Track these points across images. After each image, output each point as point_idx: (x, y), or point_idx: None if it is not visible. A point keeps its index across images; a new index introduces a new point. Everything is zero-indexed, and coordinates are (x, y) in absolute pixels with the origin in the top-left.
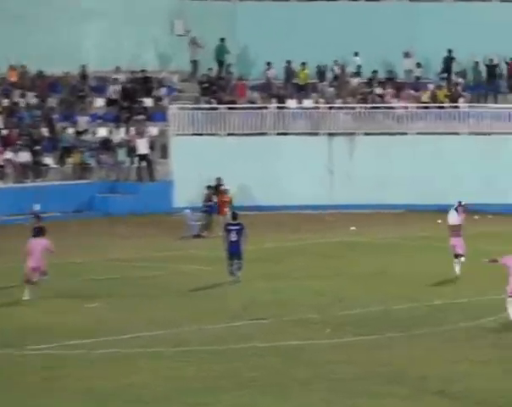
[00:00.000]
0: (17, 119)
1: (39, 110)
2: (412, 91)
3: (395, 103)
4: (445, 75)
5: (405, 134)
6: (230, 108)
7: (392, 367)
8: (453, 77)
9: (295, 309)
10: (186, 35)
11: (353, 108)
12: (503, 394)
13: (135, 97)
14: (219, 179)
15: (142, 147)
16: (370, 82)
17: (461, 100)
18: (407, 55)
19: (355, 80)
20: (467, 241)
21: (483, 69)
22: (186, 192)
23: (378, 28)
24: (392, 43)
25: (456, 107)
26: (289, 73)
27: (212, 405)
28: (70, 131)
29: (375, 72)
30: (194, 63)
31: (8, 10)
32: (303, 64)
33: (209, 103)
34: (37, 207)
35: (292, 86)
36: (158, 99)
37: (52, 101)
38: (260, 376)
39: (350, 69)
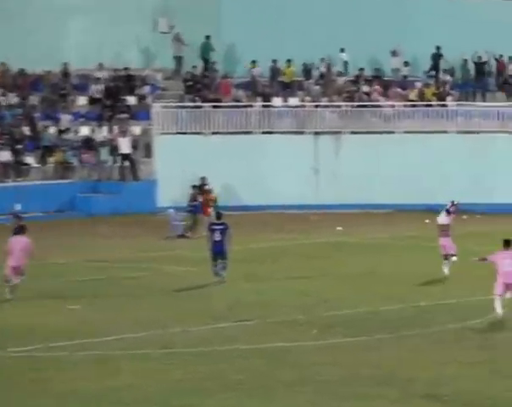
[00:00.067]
0: None
1: (20, 109)
2: (399, 90)
3: (382, 102)
4: (433, 73)
5: (392, 133)
6: (214, 107)
7: (380, 369)
8: (441, 75)
9: (280, 311)
10: (169, 32)
11: (340, 106)
12: (491, 396)
13: (118, 95)
14: (203, 178)
15: (125, 146)
16: (356, 80)
17: (449, 98)
18: (394, 54)
19: (342, 79)
20: (456, 241)
21: (472, 67)
22: (170, 192)
23: (365, 24)
24: (380, 40)
25: (444, 105)
26: (274, 71)
27: None
28: (52, 129)
29: (361, 70)
30: (178, 59)
31: None
32: (289, 61)
33: (194, 101)
34: (18, 207)
35: (278, 84)
36: (141, 97)
37: (34, 99)
38: (246, 379)
39: (337, 66)
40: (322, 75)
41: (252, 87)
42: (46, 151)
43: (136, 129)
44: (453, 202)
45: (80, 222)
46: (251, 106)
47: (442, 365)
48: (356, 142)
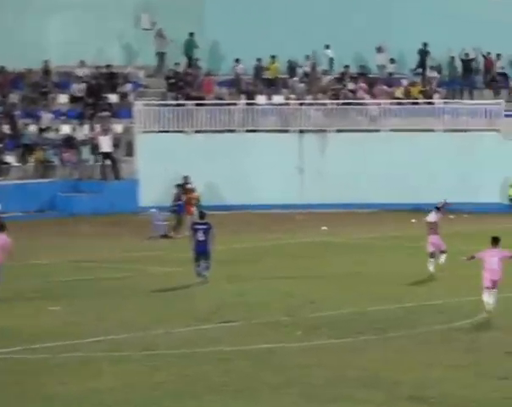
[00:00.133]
0: None
1: (0, 107)
2: (385, 87)
3: (368, 100)
4: (420, 70)
5: (378, 131)
6: (197, 105)
7: (366, 371)
8: (428, 72)
9: (264, 312)
10: (152, 29)
11: (325, 104)
12: (477, 399)
13: (99, 93)
14: (186, 177)
15: (106, 144)
16: (341, 78)
17: (436, 96)
18: (379, 50)
19: (327, 76)
20: (443, 240)
21: (459, 64)
22: (153, 191)
23: (351, 21)
24: (365, 36)
25: (431, 103)
26: (259, 68)
27: None
28: (33, 128)
29: (346, 67)
30: (160, 56)
31: None
32: (273, 56)
33: (176, 99)
34: None
35: (262, 81)
36: (123, 95)
37: (14, 97)
38: (230, 381)
39: (322, 63)
40: (307, 73)
41: (235, 85)
42: (26, 150)
43: (118, 127)
44: (445, 200)
45: (61, 222)
46: (235, 104)
47: (429, 366)
48: (341, 141)
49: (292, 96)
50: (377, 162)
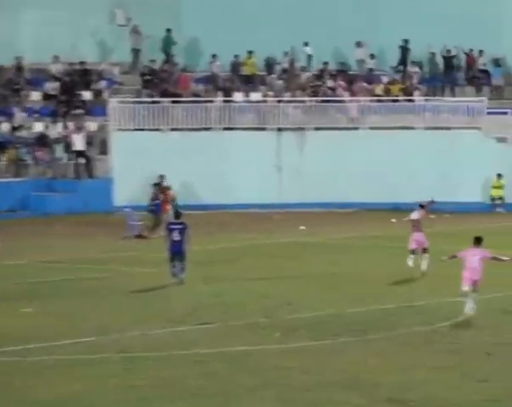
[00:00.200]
0: None
1: None
2: (365, 84)
3: (347, 97)
4: (401, 67)
5: (357, 129)
6: (173, 102)
7: (346, 373)
8: (409, 67)
9: (241, 313)
10: (127, 24)
11: (303, 101)
12: (458, 401)
13: (73, 90)
14: (162, 176)
15: (79, 143)
16: (320, 75)
17: (416, 93)
18: (359, 45)
19: (305, 73)
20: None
21: (440, 61)
22: (127, 190)
23: (330, 16)
24: (345, 32)
25: (411, 100)
26: (236, 65)
27: None
28: (5, 126)
29: (325, 63)
30: (136, 53)
31: None
32: (250, 52)
33: (151, 96)
34: None
35: (239, 78)
36: (97, 92)
37: None
38: (207, 384)
39: (300, 60)
40: (285, 70)
41: (212, 82)
42: None
43: (92, 125)
44: (432, 199)
45: (34, 222)
46: (211, 101)
47: (409, 369)
48: (320, 139)
49: (270, 93)
50: (356, 160)
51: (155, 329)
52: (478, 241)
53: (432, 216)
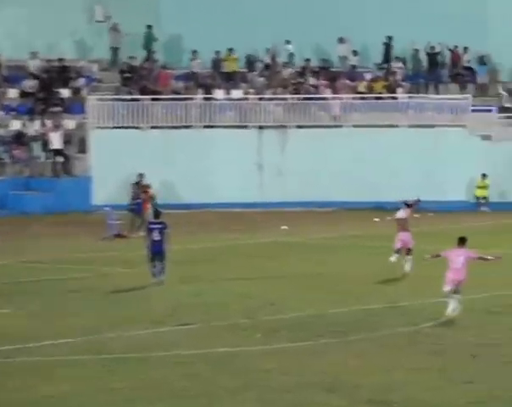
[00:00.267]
0: None
1: None
2: (348, 81)
3: (329, 95)
4: (384, 65)
5: (340, 127)
6: (153, 100)
7: (327, 375)
8: (393, 63)
9: (223, 314)
10: (105, 21)
11: (285, 99)
12: (440, 403)
13: (51, 87)
14: (141, 175)
15: (56, 141)
16: (302, 72)
17: (400, 90)
18: (341, 41)
19: (287, 70)
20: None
21: (424, 58)
22: (106, 189)
23: (312, 12)
24: (327, 29)
25: (394, 98)
26: (217, 62)
27: None
28: None
29: (307, 60)
30: (114, 50)
31: None
32: (231, 49)
33: (131, 93)
34: None
35: (220, 75)
36: (76, 90)
37: None
38: (189, 386)
39: (282, 57)
40: (267, 67)
41: (193, 79)
42: None
43: (71, 123)
44: (418, 198)
45: (12, 221)
46: (191, 99)
47: (391, 370)
48: (302, 137)
49: (251, 90)
50: (339, 159)
51: (136, 330)
52: (462, 241)
53: (417, 215)
